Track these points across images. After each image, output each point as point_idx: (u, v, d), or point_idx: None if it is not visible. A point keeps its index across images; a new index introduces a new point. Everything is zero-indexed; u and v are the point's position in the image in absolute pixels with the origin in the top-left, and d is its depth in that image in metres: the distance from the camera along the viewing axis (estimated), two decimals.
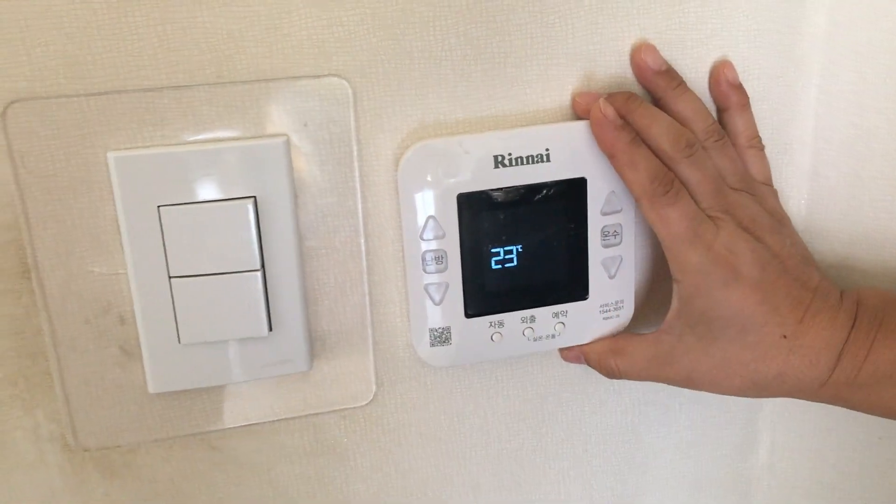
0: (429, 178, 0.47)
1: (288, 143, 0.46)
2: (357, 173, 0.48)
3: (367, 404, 0.53)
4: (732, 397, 0.60)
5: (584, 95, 0.49)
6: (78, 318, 0.46)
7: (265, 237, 0.46)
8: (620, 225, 0.51)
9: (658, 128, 0.47)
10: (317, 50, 0.45)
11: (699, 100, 0.49)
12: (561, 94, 0.49)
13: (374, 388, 0.52)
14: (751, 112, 0.52)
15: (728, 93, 0.51)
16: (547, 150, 0.48)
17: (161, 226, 0.45)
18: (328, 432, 0.53)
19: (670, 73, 0.49)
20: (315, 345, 0.50)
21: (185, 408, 0.50)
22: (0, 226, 0.44)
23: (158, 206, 0.44)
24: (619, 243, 0.51)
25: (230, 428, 0.51)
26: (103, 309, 0.46)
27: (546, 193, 0.49)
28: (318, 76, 0.45)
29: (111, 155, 0.43)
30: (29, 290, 0.45)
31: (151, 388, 0.48)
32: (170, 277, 0.46)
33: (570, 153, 0.48)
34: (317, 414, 0.52)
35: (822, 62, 0.53)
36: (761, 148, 0.52)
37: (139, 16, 0.42)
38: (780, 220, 0.50)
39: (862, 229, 0.54)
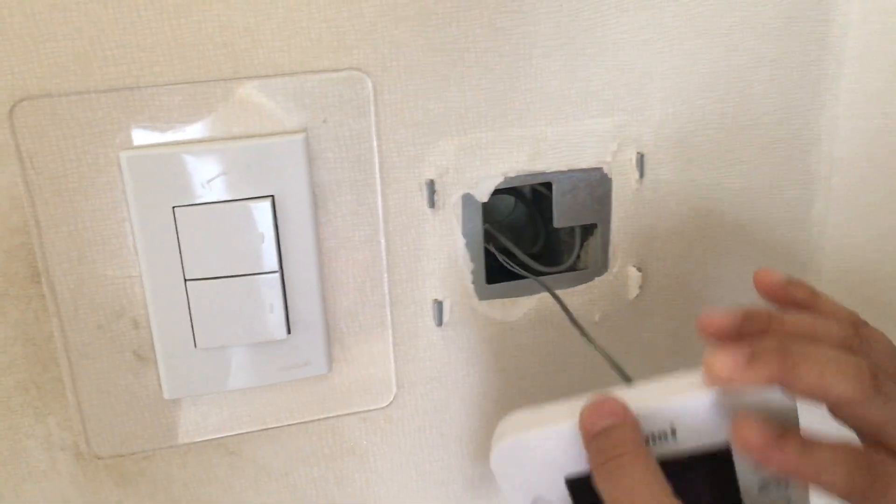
0: (526, 471, 0.38)
1: (306, 140, 0.44)
2: (377, 169, 0.46)
3: (387, 406, 0.51)
4: None
5: (712, 316, 0.37)
6: (90, 323, 0.44)
7: (283, 237, 0.45)
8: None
9: (830, 374, 0.34)
10: (336, 43, 0.43)
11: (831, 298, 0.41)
12: (587, 85, 0.48)
13: (394, 389, 0.51)
14: (825, 294, 0.41)
15: (790, 291, 0.41)
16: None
17: (176, 227, 0.43)
18: (347, 435, 0.51)
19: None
20: (334, 346, 0.49)
21: (201, 413, 0.48)
22: (9, 229, 0.42)
23: (173, 207, 0.43)
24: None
25: (248, 432, 0.49)
26: (116, 313, 0.45)
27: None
28: (338, 70, 0.44)
29: (123, 154, 0.42)
30: (39, 294, 0.43)
31: (167, 395, 0.46)
32: (185, 280, 0.44)
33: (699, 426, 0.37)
34: (336, 416, 0.51)
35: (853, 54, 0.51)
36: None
37: (152, 10, 0.40)
38: None
39: None
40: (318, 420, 0.50)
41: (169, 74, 0.41)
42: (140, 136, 0.42)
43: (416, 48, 0.44)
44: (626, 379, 0.42)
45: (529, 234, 0.55)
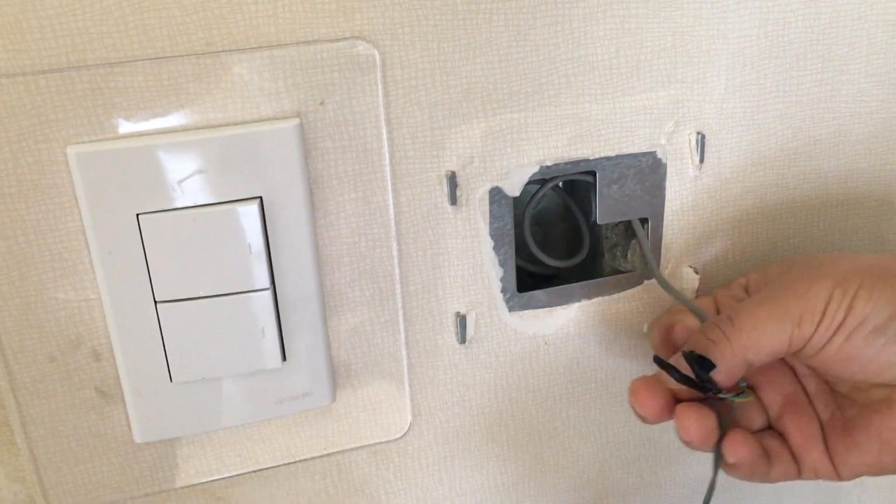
0: None
1: (300, 128, 0.35)
2: (387, 160, 0.38)
3: (401, 437, 0.44)
4: None
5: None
6: (40, 356, 0.36)
7: (275, 246, 0.36)
8: None
9: None
10: (335, 6, 0.34)
11: None
12: (638, 52, 0.39)
13: (409, 418, 0.43)
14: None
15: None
16: None
17: (142, 238, 0.35)
18: (355, 472, 0.44)
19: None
20: (338, 372, 0.41)
21: (181, 455, 0.40)
22: None
23: (137, 214, 0.34)
24: None
25: (238, 475, 0.42)
26: (72, 343, 0.37)
27: None
28: (337, 40, 0.35)
29: (72, 150, 0.33)
30: None
31: (138, 438, 0.38)
32: (156, 302, 0.36)
33: None
34: (341, 452, 0.43)
35: None
36: None
37: None
38: None
39: None
40: (321, 457, 0.43)
41: (125, 49, 0.33)
42: (92, 128, 0.33)
43: (432, 11, 0.36)
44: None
45: (561, 228, 0.47)
